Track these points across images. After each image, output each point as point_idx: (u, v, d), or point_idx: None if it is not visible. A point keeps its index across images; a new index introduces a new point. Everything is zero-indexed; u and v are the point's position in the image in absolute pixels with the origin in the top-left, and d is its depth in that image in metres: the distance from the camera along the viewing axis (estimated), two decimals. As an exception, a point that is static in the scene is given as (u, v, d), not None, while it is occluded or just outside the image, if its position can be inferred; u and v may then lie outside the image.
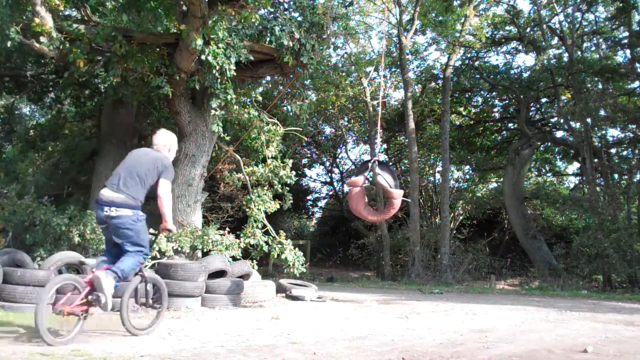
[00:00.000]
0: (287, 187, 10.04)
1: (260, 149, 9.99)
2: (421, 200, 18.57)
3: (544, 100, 18.94)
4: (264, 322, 6.05)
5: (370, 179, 7.27)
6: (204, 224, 9.50)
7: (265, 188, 9.82)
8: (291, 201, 10.10)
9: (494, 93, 19.53)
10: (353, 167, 23.61)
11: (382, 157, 22.46)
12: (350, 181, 7.58)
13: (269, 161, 9.93)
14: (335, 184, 24.33)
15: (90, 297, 4.16)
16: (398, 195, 7.13)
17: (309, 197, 25.76)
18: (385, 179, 7.11)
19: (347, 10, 13.87)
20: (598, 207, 13.55)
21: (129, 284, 4.66)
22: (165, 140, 4.92)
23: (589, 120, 14.32)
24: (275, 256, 9.66)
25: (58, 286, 4.19)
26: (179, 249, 8.28)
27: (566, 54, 15.38)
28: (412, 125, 16.03)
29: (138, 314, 5.73)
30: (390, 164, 22.37)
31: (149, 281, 4.85)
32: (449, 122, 17.21)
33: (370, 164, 7.25)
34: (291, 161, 10.10)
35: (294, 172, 10.05)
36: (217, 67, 7.64)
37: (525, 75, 17.99)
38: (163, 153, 4.81)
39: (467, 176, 21.30)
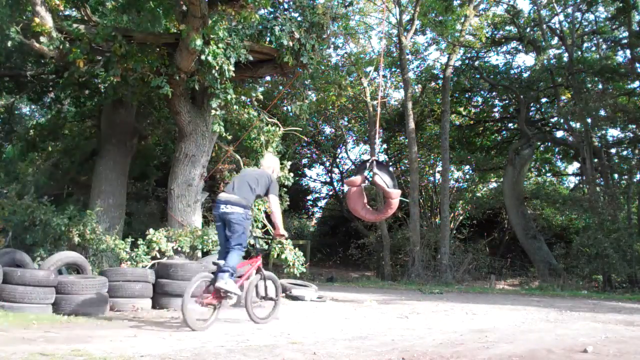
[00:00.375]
0: (284, 189, 10.04)
1: (259, 149, 9.99)
2: (421, 200, 18.57)
3: (544, 100, 18.93)
4: (264, 322, 6.04)
5: (370, 179, 7.27)
6: (204, 224, 9.50)
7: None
8: (287, 202, 10.10)
9: (494, 93, 19.52)
10: (353, 167, 23.61)
11: (382, 157, 22.52)
12: (349, 180, 7.59)
13: (267, 162, 9.92)
14: (335, 184, 24.34)
15: (224, 299, 5.31)
16: (396, 195, 7.14)
17: (309, 197, 25.76)
18: (383, 178, 7.12)
19: (347, 10, 13.88)
20: (598, 207, 13.55)
21: (251, 282, 5.70)
22: (269, 163, 6.01)
23: (589, 120, 14.31)
24: (275, 256, 9.66)
25: (198, 282, 5.19)
26: (179, 249, 8.28)
27: (566, 54, 15.37)
28: (412, 125, 16.02)
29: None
30: (390, 164, 22.42)
31: (266, 278, 5.93)
32: (449, 122, 17.20)
33: (368, 164, 7.26)
34: (290, 163, 10.11)
35: (292, 174, 10.05)
36: (217, 68, 7.64)
37: (525, 75, 17.98)
38: (268, 172, 5.82)
39: (467, 176, 21.30)
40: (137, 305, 6.77)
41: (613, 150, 16.33)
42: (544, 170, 21.65)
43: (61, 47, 7.47)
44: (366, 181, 7.29)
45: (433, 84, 19.90)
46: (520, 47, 17.93)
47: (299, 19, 8.98)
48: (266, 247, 9.38)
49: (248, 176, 5.66)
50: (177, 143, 9.66)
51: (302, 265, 9.46)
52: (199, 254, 8.71)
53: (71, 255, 7.34)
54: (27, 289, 6.00)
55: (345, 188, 7.50)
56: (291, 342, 4.57)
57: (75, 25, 7.67)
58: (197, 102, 9.26)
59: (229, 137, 9.87)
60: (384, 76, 21.09)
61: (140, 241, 8.18)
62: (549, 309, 8.09)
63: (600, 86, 15.57)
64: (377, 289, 12.57)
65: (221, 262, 5.32)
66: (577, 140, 15.11)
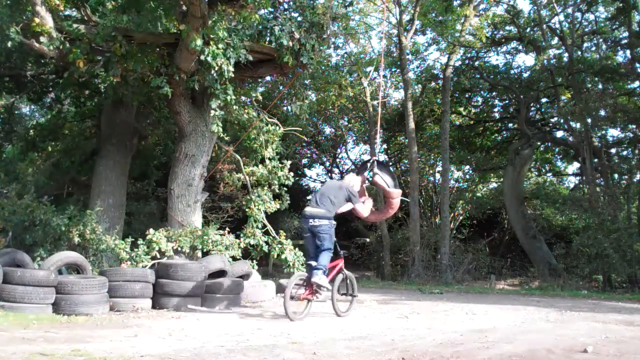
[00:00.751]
0: (284, 188, 10.04)
1: (259, 149, 10.00)
2: (421, 200, 18.54)
3: (544, 100, 18.91)
4: (264, 322, 6.05)
5: (370, 179, 7.29)
6: (204, 224, 9.50)
7: (265, 188, 9.82)
8: (288, 202, 10.11)
9: (494, 93, 19.51)
10: (353, 167, 23.60)
11: (382, 157, 22.51)
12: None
13: (267, 162, 9.94)
14: (335, 184, 24.29)
15: (317, 293, 6.32)
16: (396, 195, 7.15)
17: (309, 197, 25.74)
18: (383, 178, 7.14)
19: (347, 11, 13.87)
20: (598, 207, 13.54)
21: (336, 280, 6.56)
22: (350, 181, 6.84)
23: (589, 120, 14.30)
24: (275, 256, 9.66)
25: (296, 281, 6.20)
26: (179, 249, 8.27)
27: (566, 54, 15.36)
28: (412, 125, 16.02)
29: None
30: (390, 164, 22.42)
31: (347, 277, 6.81)
32: (449, 122, 17.19)
33: (369, 164, 7.28)
34: (289, 162, 10.10)
35: (292, 173, 10.05)
36: (216, 68, 7.64)
37: (525, 75, 17.95)
38: (348, 186, 6.67)
39: (467, 176, 21.28)
40: (137, 305, 6.77)
41: (613, 150, 16.31)
42: (544, 170, 21.63)
43: (61, 47, 7.47)
44: (366, 181, 7.30)
45: (433, 84, 19.89)
46: (520, 47, 17.91)
47: (299, 19, 8.97)
48: (266, 248, 9.39)
49: (329, 190, 6.58)
50: (177, 143, 9.66)
51: (302, 265, 9.46)
52: (199, 254, 8.70)
53: (71, 255, 7.34)
54: (27, 289, 6.01)
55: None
56: (291, 342, 4.57)
57: (75, 25, 7.67)
58: (197, 102, 9.25)
59: (227, 138, 9.87)
60: (384, 76, 21.11)
61: (140, 241, 8.18)
62: (549, 309, 8.09)
63: (600, 86, 15.54)
64: (377, 289, 12.56)
65: (313, 262, 6.23)
66: (577, 140, 15.10)
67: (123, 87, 8.31)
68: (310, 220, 6.29)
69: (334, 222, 6.44)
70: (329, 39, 9.90)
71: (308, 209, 6.40)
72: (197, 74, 8.11)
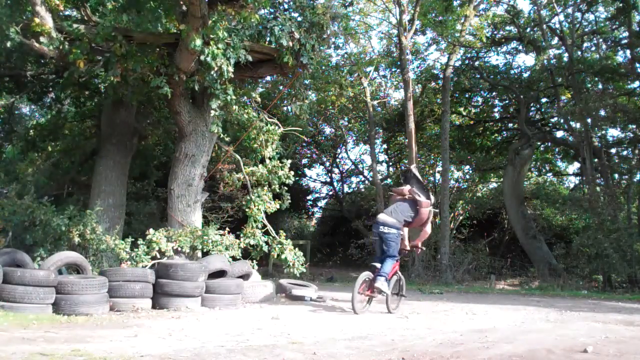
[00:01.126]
0: (285, 187, 10.04)
1: (259, 149, 9.99)
2: (421, 201, 18.51)
3: (544, 100, 18.91)
4: (264, 322, 6.05)
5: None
6: (204, 224, 9.50)
7: (265, 188, 9.82)
8: (289, 201, 10.11)
9: (494, 93, 19.51)
10: (353, 167, 23.62)
11: (382, 157, 22.52)
12: (396, 190, 7.86)
13: (267, 162, 9.93)
14: (335, 184, 24.32)
15: (377, 295, 7.07)
16: (426, 205, 7.32)
17: (309, 197, 25.74)
18: (415, 188, 7.42)
19: (347, 11, 13.86)
20: (598, 207, 13.54)
21: (391, 281, 7.22)
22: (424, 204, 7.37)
23: (589, 120, 14.30)
24: (275, 256, 9.65)
25: (363, 279, 6.91)
26: (179, 249, 8.27)
27: (566, 54, 15.35)
28: (412, 125, 16.03)
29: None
30: (390, 163, 22.43)
31: (400, 279, 7.56)
32: (449, 122, 17.19)
33: (410, 174, 7.64)
34: (289, 161, 10.10)
35: (292, 172, 10.05)
36: (216, 68, 7.64)
37: (525, 75, 17.94)
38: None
39: (467, 176, 21.27)
40: (137, 305, 6.77)
41: (613, 150, 16.31)
42: (544, 170, 21.64)
43: (61, 47, 7.47)
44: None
45: (433, 84, 19.89)
46: (520, 47, 17.91)
47: (299, 19, 8.97)
48: (266, 248, 9.39)
49: (399, 207, 7.28)
50: (177, 143, 9.66)
51: (302, 265, 9.46)
52: (199, 254, 8.70)
53: (71, 255, 7.34)
54: (27, 289, 6.01)
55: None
56: (291, 342, 4.57)
57: (75, 26, 7.66)
58: (197, 102, 9.25)
59: (227, 139, 9.87)
60: (384, 76, 21.12)
61: (140, 241, 8.18)
62: (549, 309, 8.09)
63: (600, 86, 15.54)
64: (377, 289, 12.54)
65: (378, 265, 6.99)
66: (577, 140, 15.10)
67: (123, 87, 8.31)
68: (381, 227, 7.07)
69: (402, 232, 7.26)
70: (329, 39, 9.89)
71: (381, 216, 7.24)
72: (197, 74, 8.11)
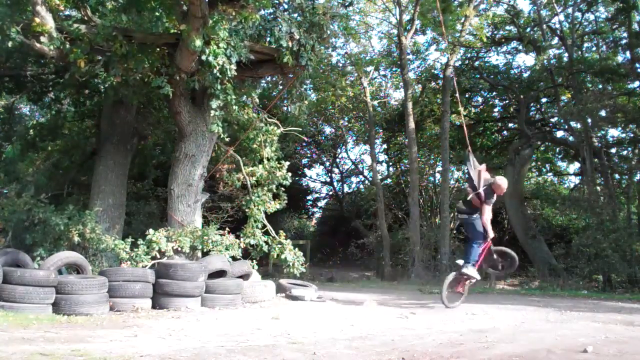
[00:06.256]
0: (282, 188, 10.04)
1: (258, 149, 9.99)
2: (421, 200, 18.55)
3: (544, 100, 18.91)
4: (264, 322, 6.05)
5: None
6: (204, 224, 9.50)
7: (265, 188, 9.82)
8: (286, 201, 10.11)
9: (494, 93, 19.51)
10: (353, 167, 23.62)
11: (382, 157, 22.51)
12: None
13: (265, 162, 9.94)
14: (335, 184, 24.31)
15: (467, 282, 7.63)
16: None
17: (309, 197, 25.73)
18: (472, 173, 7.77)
19: (347, 11, 13.86)
20: (598, 207, 13.53)
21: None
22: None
23: (589, 120, 14.30)
24: (275, 256, 9.66)
25: (454, 276, 7.49)
26: (179, 249, 8.27)
27: (566, 54, 15.36)
28: (412, 125, 16.02)
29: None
30: (390, 163, 22.42)
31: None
32: (449, 122, 17.19)
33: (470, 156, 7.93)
34: (287, 163, 10.10)
35: (290, 174, 10.05)
36: (217, 67, 7.64)
37: (525, 75, 17.95)
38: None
39: (467, 176, 21.23)
40: (137, 305, 6.77)
41: (613, 150, 16.31)
42: (544, 170, 21.63)
43: (61, 47, 7.47)
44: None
45: (433, 84, 19.89)
46: (520, 47, 17.90)
47: (298, 19, 8.97)
48: (266, 248, 9.39)
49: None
50: (177, 143, 9.66)
51: (302, 265, 9.46)
52: (199, 254, 8.70)
53: (71, 255, 7.34)
54: (27, 289, 6.00)
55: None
56: (291, 342, 4.57)
57: (75, 26, 7.66)
58: (197, 102, 9.25)
59: (227, 139, 9.88)
60: (384, 76, 21.11)
61: (140, 241, 8.18)
62: (549, 309, 8.09)
63: (600, 86, 15.54)
64: (377, 289, 12.56)
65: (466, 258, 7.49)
66: (577, 140, 15.10)
67: (123, 87, 8.31)
68: (459, 215, 7.74)
69: (477, 216, 7.50)
70: (329, 39, 9.90)
71: (460, 204, 7.92)
72: (197, 74, 8.11)
